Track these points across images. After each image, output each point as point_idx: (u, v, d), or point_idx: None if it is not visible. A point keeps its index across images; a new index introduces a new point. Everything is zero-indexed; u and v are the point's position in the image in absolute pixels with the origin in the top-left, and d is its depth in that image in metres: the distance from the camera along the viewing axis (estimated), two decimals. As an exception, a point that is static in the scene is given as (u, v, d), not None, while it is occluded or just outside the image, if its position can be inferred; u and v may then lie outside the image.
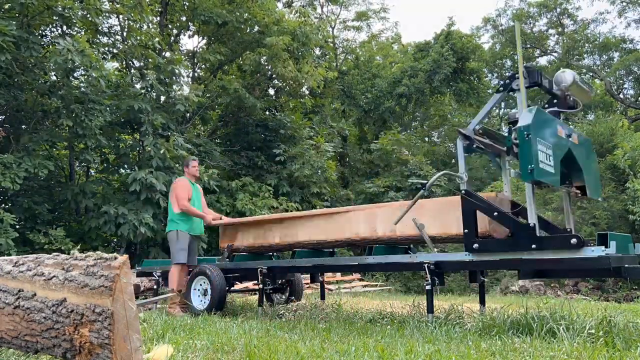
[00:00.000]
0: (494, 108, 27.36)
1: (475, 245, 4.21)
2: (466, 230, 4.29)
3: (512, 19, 26.41)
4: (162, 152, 10.74)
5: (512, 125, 4.22)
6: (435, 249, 4.71)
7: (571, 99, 4.47)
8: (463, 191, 4.33)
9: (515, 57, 27.89)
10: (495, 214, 4.18)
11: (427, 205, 4.83)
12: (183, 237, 6.04)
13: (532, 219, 4.00)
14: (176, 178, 6.72)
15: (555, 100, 4.51)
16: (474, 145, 4.38)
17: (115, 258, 1.85)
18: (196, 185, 6.41)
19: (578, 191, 4.50)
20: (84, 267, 1.94)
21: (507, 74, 28.74)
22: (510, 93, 4.57)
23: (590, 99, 4.78)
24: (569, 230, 4.40)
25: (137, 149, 11.98)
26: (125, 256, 1.84)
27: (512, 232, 4.21)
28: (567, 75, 4.32)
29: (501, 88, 4.53)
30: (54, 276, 2.03)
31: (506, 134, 4.30)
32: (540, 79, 4.34)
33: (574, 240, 3.74)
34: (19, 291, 2.18)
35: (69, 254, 2.13)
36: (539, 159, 3.77)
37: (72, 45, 8.96)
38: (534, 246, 3.91)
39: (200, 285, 5.89)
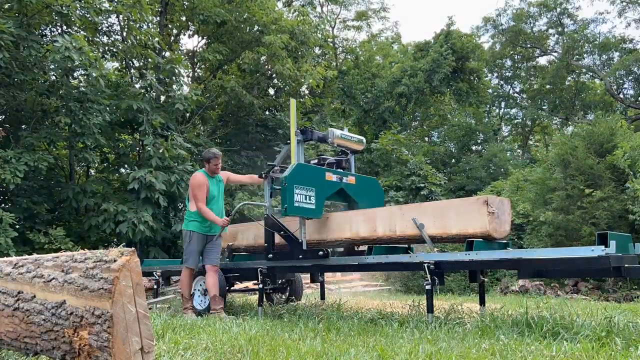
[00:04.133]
0: (494, 108, 27.05)
1: (270, 255, 5.54)
2: (266, 244, 5.60)
3: (512, 19, 26.39)
4: (161, 151, 10.74)
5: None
6: (435, 249, 4.71)
7: (342, 147, 6.11)
8: (266, 215, 5.62)
9: (516, 57, 27.90)
10: (282, 232, 5.47)
11: (428, 206, 4.84)
12: (196, 238, 5.65)
13: (301, 238, 5.38)
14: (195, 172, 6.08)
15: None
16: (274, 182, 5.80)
17: (115, 260, 1.84)
18: (214, 180, 5.82)
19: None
20: (84, 270, 1.94)
21: (507, 74, 28.77)
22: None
23: (361, 147, 6.22)
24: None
25: (137, 148, 11.96)
26: (125, 258, 1.83)
27: (290, 247, 5.47)
28: (334, 131, 5.85)
29: (288, 141, 5.90)
30: (53, 278, 2.03)
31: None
32: (311, 135, 5.85)
33: (321, 253, 5.11)
34: (19, 293, 2.18)
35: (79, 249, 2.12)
36: (294, 199, 5.15)
37: (70, 43, 8.94)
38: (300, 256, 5.30)
39: (201, 285, 5.89)
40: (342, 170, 5.96)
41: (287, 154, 5.94)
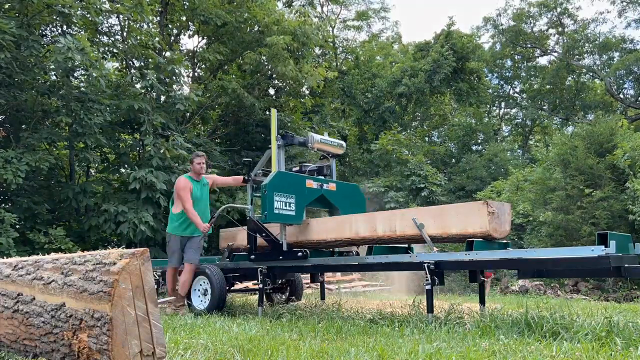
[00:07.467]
0: (495, 108, 27.01)
1: (252, 257, 5.86)
2: (248, 245, 5.90)
3: (512, 18, 26.38)
4: (162, 151, 10.73)
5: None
6: (435, 249, 4.71)
7: (322, 152, 6.37)
8: (248, 218, 5.85)
9: (516, 57, 27.90)
10: (264, 234, 5.72)
11: (429, 207, 4.86)
12: (173, 239, 6.02)
13: (281, 240, 5.71)
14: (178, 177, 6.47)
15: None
16: (255, 186, 6.07)
17: (115, 263, 1.84)
18: (200, 183, 6.10)
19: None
20: (83, 272, 1.93)
21: (507, 74, 28.76)
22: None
23: (341, 151, 6.41)
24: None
25: (137, 148, 11.95)
26: (125, 261, 1.83)
27: (271, 247, 5.76)
28: (314, 136, 6.12)
29: (269, 146, 6.07)
30: (53, 280, 2.02)
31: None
32: (292, 140, 6.09)
33: (300, 254, 5.44)
34: (18, 295, 2.17)
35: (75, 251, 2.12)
36: (273, 207, 5.41)
37: (72, 44, 8.94)
38: (281, 257, 5.64)
39: (200, 285, 5.89)
40: (323, 178, 6.16)
41: (267, 158, 6.14)
